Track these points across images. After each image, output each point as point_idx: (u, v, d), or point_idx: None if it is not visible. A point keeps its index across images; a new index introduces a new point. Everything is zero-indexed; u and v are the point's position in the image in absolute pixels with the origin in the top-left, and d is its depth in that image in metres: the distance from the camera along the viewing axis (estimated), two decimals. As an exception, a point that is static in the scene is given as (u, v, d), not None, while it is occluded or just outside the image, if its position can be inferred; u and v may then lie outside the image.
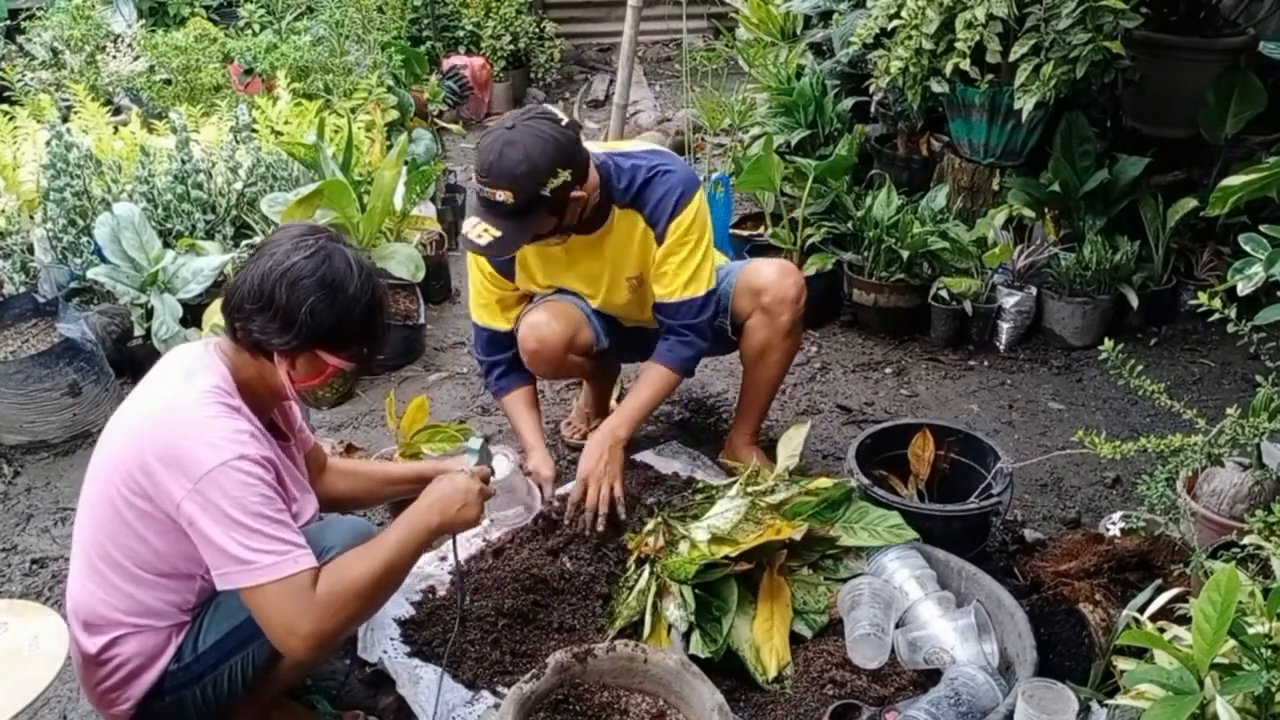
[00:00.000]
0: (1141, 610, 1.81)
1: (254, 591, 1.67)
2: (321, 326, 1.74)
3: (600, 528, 2.41)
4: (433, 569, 2.45)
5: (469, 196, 2.63)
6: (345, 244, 1.82)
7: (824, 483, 2.38)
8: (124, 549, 1.76)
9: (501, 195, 2.27)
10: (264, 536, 1.66)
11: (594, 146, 2.51)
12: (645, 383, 2.63)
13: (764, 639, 2.15)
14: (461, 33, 6.64)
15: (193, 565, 1.77)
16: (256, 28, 5.70)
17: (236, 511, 1.65)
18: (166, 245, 3.47)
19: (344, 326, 1.77)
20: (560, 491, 2.67)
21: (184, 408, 1.71)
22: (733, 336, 2.78)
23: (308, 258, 1.74)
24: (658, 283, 2.60)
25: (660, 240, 2.54)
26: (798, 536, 2.23)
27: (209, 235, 3.67)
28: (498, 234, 2.32)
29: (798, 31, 4.79)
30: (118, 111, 4.95)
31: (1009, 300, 3.65)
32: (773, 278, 2.68)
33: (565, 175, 2.29)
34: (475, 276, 2.69)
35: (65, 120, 4.12)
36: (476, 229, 2.34)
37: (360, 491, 2.27)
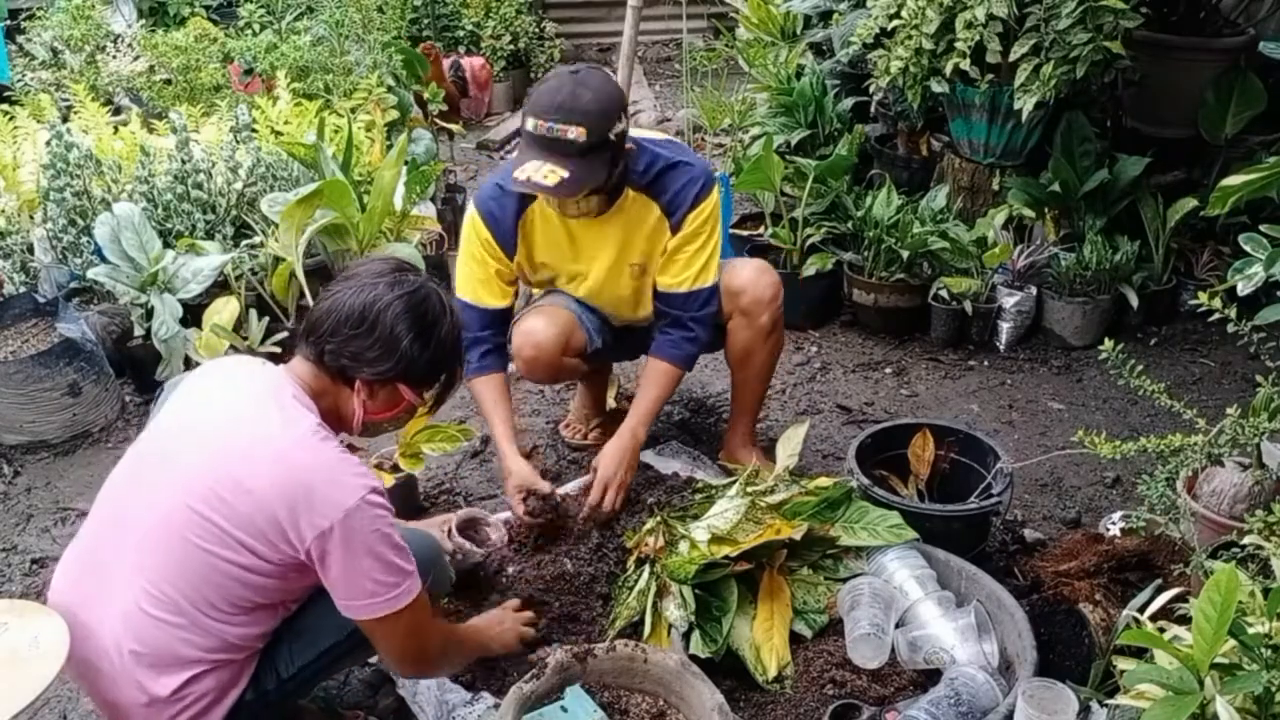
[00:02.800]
0: (1141, 610, 1.81)
1: (390, 619, 1.73)
2: (417, 360, 1.80)
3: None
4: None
5: (512, 150, 2.53)
6: (436, 285, 1.87)
7: (824, 483, 2.38)
8: (220, 587, 1.69)
9: (574, 133, 2.24)
10: (394, 569, 1.71)
11: None
12: (651, 381, 2.62)
13: (764, 639, 2.15)
14: (461, 33, 6.64)
15: (290, 596, 1.78)
16: (256, 28, 5.70)
17: (377, 545, 1.68)
18: (166, 245, 3.47)
19: (433, 364, 1.83)
20: (562, 491, 2.68)
21: (302, 449, 1.69)
22: (718, 341, 2.78)
23: (409, 294, 1.79)
24: (666, 272, 2.58)
25: (676, 230, 2.53)
26: (798, 536, 2.23)
27: (209, 235, 3.66)
28: (564, 174, 2.26)
29: (798, 31, 4.79)
30: (118, 111, 4.95)
31: (1009, 300, 3.65)
32: (749, 278, 2.66)
33: (623, 124, 2.32)
34: (471, 249, 2.59)
35: (65, 120, 4.12)
36: (540, 170, 2.26)
37: None
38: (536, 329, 2.62)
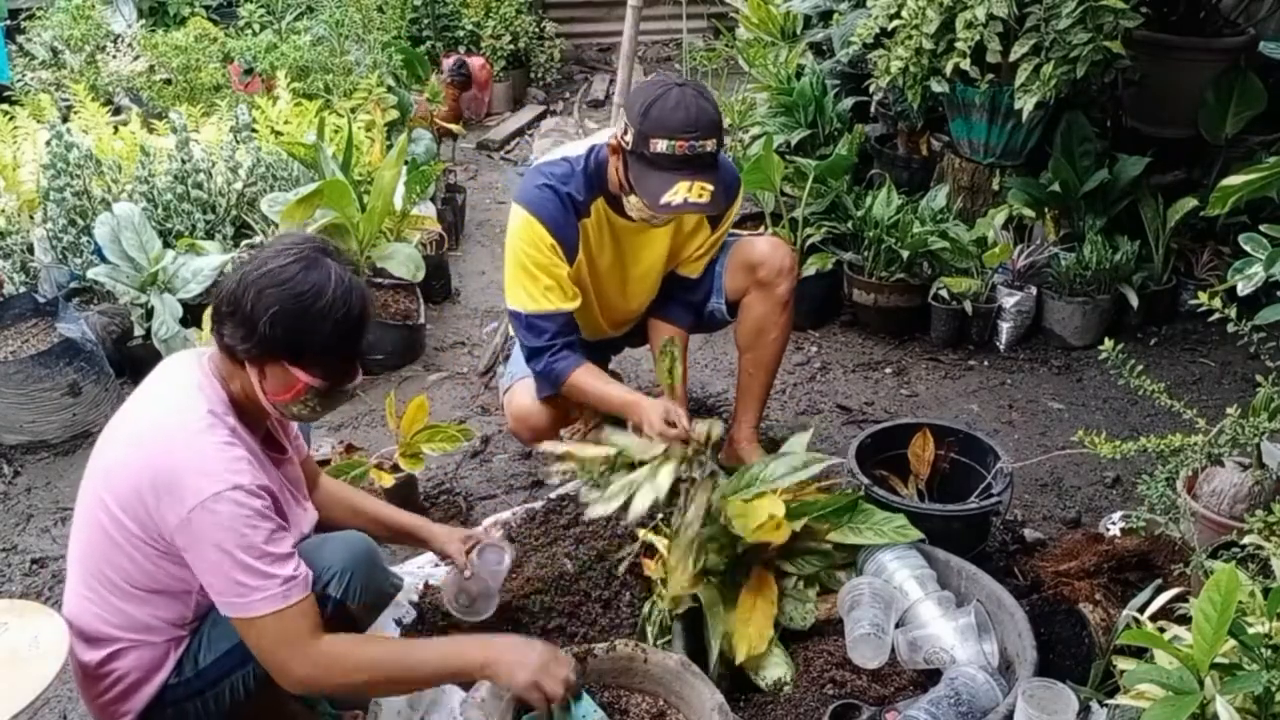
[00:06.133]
0: (1141, 610, 1.81)
1: (247, 624, 1.69)
2: (283, 337, 1.69)
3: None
4: (431, 569, 2.45)
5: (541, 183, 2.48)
6: (336, 257, 1.75)
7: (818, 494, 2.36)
8: (115, 567, 1.75)
9: (711, 145, 2.29)
10: (253, 571, 1.66)
11: None
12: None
13: (740, 626, 2.09)
14: (461, 33, 6.64)
15: (185, 584, 1.77)
16: (256, 28, 5.70)
17: (229, 543, 1.65)
18: (166, 245, 3.47)
19: (310, 340, 1.70)
20: (558, 493, 2.67)
21: (180, 433, 1.70)
22: (729, 317, 2.81)
23: (285, 265, 1.69)
24: (699, 262, 2.69)
25: (715, 226, 2.65)
26: (788, 534, 2.19)
27: (209, 235, 3.67)
28: (711, 187, 2.30)
29: (798, 31, 4.79)
30: (118, 111, 4.95)
31: (1009, 300, 3.66)
32: (766, 250, 2.71)
33: None
34: (532, 256, 2.45)
35: (65, 120, 4.12)
36: (694, 190, 2.28)
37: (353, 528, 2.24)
38: (532, 413, 2.63)
